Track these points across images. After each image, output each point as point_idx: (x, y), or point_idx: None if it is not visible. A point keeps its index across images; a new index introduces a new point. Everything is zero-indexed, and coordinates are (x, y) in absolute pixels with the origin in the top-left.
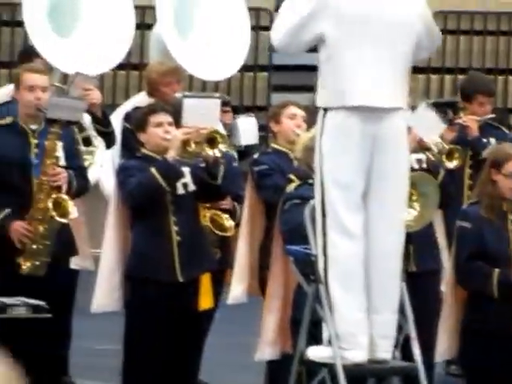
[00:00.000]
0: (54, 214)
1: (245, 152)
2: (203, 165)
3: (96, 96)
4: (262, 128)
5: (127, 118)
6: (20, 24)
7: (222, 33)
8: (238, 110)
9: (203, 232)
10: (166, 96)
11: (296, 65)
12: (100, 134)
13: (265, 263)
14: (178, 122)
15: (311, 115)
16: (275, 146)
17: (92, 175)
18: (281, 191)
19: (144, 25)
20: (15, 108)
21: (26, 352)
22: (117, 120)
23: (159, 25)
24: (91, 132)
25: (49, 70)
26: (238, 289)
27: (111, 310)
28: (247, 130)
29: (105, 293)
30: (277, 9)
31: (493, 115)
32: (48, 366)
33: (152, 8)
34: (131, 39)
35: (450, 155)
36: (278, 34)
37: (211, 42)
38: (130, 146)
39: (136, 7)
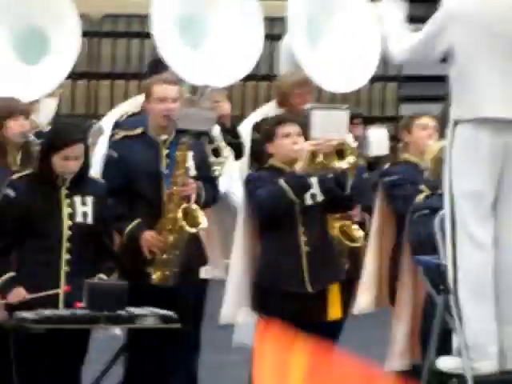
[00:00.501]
0: (183, 223)
1: (375, 162)
2: (331, 176)
3: (225, 107)
4: (392, 138)
5: (256, 128)
6: (149, 36)
7: (353, 44)
8: (367, 121)
9: (332, 242)
10: (295, 107)
11: (425, 75)
12: (229, 144)
13: (395, 273)
14: (306, 134)
15: (441, 126)
16: (406, 157)
17: (221, 186)
18: (410, 202)
19: (273, 35)
20: (145, 119)
21: (156, 362)
22: (245, 131)
23: (290, 35)
24: (220, 143)
25: (178, 81)
26: (364, 299)
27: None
28: (378, 140)
29: (233, 303)
30: (408, 19)
31: None
32: (177, 375)
33: (281, 19)
34: (260, 50)
35: None
36: (401, 50)
37: (342, 53)
38: (259, 156)
39: (265, 18)
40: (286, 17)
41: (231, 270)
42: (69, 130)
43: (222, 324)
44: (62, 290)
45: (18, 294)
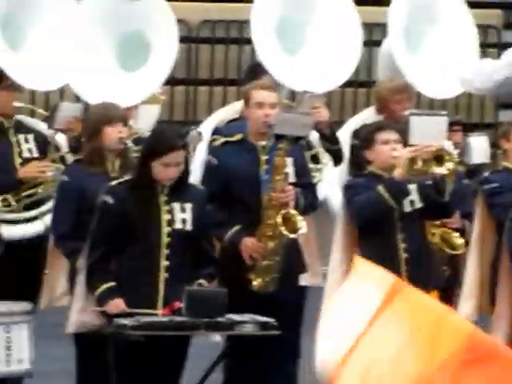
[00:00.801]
0: (283, 229)
1: (476, 170)
2: (430, 182)
3: (324, 114)
4: (492, 145)
5: (355, 134)
6: (248, 41)
7: (452, 50)
8: (466, 128)
9: (430, 249)
10: (395, 113)
11: None
12: (328, 151)
13: (496, 281)
14: (405, 140)
15: None
16: (506, 164)
17: (320, 192)
18: (510, 209)
19: (371, 42)
20: (244, 125)
21: (256, 368)
22: (344, 137)
23: (390, 40)
24: (319, 149)
25: (276, 86)
26: (466, 307)
27: None
28: (479, 148)
29: None
30: (505, 25)
31: None
32: (277, 382)
33: (379, 25)
34: (359, 56)
35: None
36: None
37: (441, 59)
38: (358, 163)
39: (363, 24)
40: (384, 23)
41: (329, 278)
42: (170, 136)
43: None
44: (159, 312)
45: (117, 305)
